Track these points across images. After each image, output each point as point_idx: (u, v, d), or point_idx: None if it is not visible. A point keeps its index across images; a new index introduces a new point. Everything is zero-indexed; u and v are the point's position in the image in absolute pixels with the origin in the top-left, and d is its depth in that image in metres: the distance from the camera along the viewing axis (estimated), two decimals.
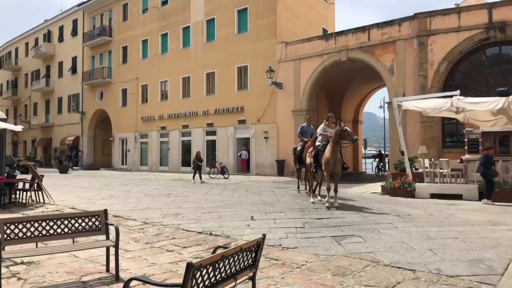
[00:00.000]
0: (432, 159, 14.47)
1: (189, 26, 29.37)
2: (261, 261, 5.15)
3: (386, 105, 26.03)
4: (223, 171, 23.21)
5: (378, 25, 20.61)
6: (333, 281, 4.50)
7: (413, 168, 14.30)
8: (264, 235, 3.48)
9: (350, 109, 30.47)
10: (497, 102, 10.72)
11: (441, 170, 12.92)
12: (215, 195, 13.77)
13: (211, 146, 27.97)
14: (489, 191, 11.02)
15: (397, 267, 4.92)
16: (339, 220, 8.37)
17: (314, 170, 11.07)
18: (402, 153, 13.89)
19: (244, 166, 25.80)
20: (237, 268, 3.18)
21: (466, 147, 14.05)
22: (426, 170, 13.33)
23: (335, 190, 10.19)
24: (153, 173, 28.48)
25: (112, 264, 4.94)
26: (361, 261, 5.20)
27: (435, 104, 12.52)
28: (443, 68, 18.20)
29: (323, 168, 10.28)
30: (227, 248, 3.13)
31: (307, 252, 5.77)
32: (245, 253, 3.27)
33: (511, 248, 5.77)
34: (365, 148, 44.25)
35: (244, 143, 26.25)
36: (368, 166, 35.41)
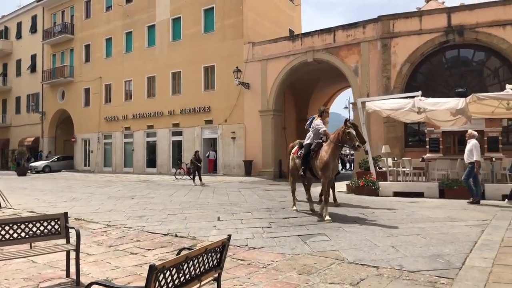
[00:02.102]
0: (395, 158, 14.84)
1: (154, 25, 28.89)
2: (227, 261, 5.12)
3: (351, 106, 26.54)
4: (189, 172, 22.94)
5: (343, 27, 20.97)
6: (299, 279, 4.51)
7: (377, 167, 14.62)
8: (230, 236, 3.44)
9: (316, 109, 30.78)
10: (456, 102, 11.10)
11: (404, 169, 13.28)
12: (181, 196, 13.59)
13: (177, 147, 27.62)
14: None
15: (361, 264, 5.00)
16: (305, 219, 8.44)
17: (302, 173, 9.02)
18: (366, 152, 14.17)
19: (212, 167, 25.64)
20: (201, 269, 3.14)
21: (427, 146, 14.51)
22: (389, 169, 13.66)
23: (326, 200, 8.63)
24: (117, 175, 27.85)
25: (72, 269, 4.76)
26: (326, 259, 5.25)
27: (398, 105, 12.83)
28: (406, 69, 18.74)
29: (319, 173, 8.50)
30: (192, 249, 3.07)
31: (274, 251, 5.78)
32: (210, 254, 3.23)
33: (468, 243, 5.98)
34: None
35: (211, 144, 26.09)
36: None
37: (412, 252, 5.53)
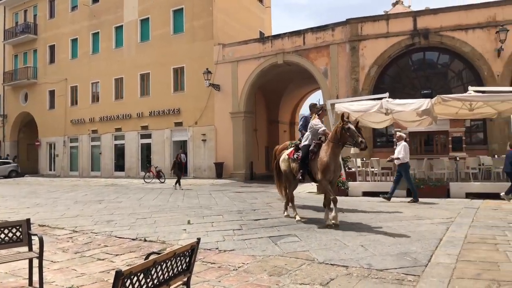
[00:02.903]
0: (364, 159, 15.11)
1: (122, 26, 28.37)
2: (197, 265, 5.06)
3: None
4: (159, 175, 22.63)
5: (313, 30, 21.22)
6: (269, 281, 4.50)
7: (346, 168, 14.84)
8: (199, 239, 3.39)
9: (287, 111, 31.14)
10: (422, 103, 11.39)
11: (372, 169, 13.53)
12: (150, 200, 13.36)
13: (146, 150, 27.19)
14: None
15: (331, 264, 5.04)
16: (276, 220, 8.45)
17: (300, 177, 8.12)
18: None
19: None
20: (170, 274, 3.06)
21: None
22: (358, 169, 13.89)
23: (328, 204, 7.85)
24: (84, 179, 27.12)
25: (35, 277, 4.57)
26: (296, 260, 5.27)
27: (366, 106, 13.06)
28: (374, 72, 19.14)
29: (319, 176, 7.70)
30: (161, 254, 3.00)
31: (244, 253, 5.75)
32: (179, 258, 3.16)
33: (434, 240, 6.13)
34: None
35: (181, 146, 25.83)
36: None
37: (381, 250, 5.62)
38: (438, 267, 4.73)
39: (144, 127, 26.81)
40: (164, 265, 2.96)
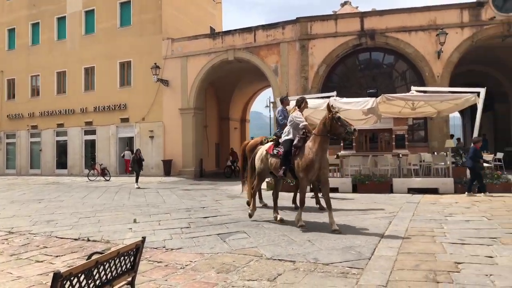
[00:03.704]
0: None
1: (65, 17, 27.00)
2: (143, 264, 4.92)
3: (271, 105, 27.10)
4: (104, 172, 21.83)
5: (264, 27, 21.33)
6: (217, 278, 4.46)
7: None
8: (144, 238, 3.28)
9: (238, 108, 31.13)
10: (367, 102, 11.79)
11: None
12: (94, 199, 12.86)
13: (91, 147, 26.15)
14: (481, 184, 11.16)
15: (279, 259, 5.08)
16: (225, 217, 8.41)
17: (283, 174, 7.40)
18: None
19: (128, 167, 24.67)
20: (113, 274, 2.94)
21: (342, 144, 15.24)
22: None
23: (328, 207, 6.95)
24: (22, 177, 25.66)
25: None
26: (245, 257, 5.26)
27: (314, 104, 13.31)
28: (322, 70, 19.56)
29: (300, 174, 7.04)
30: (104, 253, 2.87)
31: (192, 251, 5.66)
32: (123, 257, 3.05)
33: (377, 234, 6.37)
34: None
35: (128, 143, 25.08)
36: None
37: (327, 245, 5.74)
38: (381, 259, 4.91)
39: (88, 123, 25.75)
40: (107, 265, 2.84)
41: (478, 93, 12.07)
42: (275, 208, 7.95)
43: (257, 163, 8.09)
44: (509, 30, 17.76)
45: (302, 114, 7.59)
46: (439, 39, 17.69)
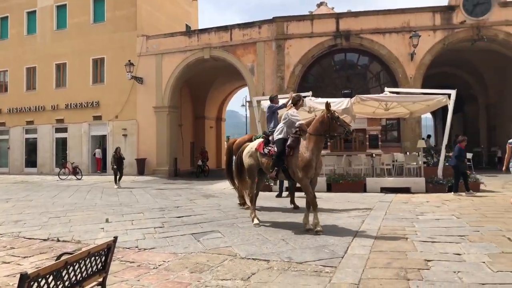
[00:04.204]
0: None
1: (35, 11, 26.22)
2: (115, 264, 4.83)
3: (247, 104, 27.09)
4: (75, 171, 21.33)
5: (240, 26, 21.28)
6: (191, 278, 4.42)
7: None
8: (116, 237, 3.22)
9: (214, 107, 30.99)
10: (342, 102, 11.93)
11: None
12: (65, 198, 12.55)
13: (62, 145, 25.50)
14: (466, 183, 11.21)
15: (253, 258, 5.07)
16: (199, 217, 8.35)
17: (275, 176, 7.17)
18: None
19: (99, 166, 24.23)
20: (83, 275, 2.87)
21: None
22: None
23: (314, 206, 6.78)
24: None
25: None
26: (219, 256, 5.23)
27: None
28: (298, 70, 19.68)
29: (299, 174, 6.74)
30: (74, 254, 2.80)
31: (165, 251, 5.59)
32: (93, 257, 2.98)
33: (351, 232, 6.44)
34: None
35: (100, 141, 24.58)
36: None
37: (301, 244, 5.77)
38: (353, 258, 4.97)
39: (60, 121, 25.11)
40: (77, 265, 2.78)
41: (449, 95, 12.37)
42: (253, 208, 7.69)
43: (246, 159, 7.69)
44: (478, 34, 18.33)
45: (298, 113, 7.37)
46: (412, 41, 18.08)
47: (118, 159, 16.97)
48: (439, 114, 29.12)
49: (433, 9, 18.90)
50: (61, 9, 25.52)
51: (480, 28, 18.35)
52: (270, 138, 7.43)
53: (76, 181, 19.64)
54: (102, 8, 24.31)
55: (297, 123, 7.01)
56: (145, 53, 22.98)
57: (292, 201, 9.67)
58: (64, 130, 25.18)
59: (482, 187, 12.34)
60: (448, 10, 18.74)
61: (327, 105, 6.79)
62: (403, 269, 4.45)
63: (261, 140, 7.63)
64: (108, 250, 3.15)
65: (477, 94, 26.28)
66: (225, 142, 36.01)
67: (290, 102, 7.64)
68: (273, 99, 8.99)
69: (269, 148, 7.27)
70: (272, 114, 8.20)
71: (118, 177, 16.72)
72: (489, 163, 24.03)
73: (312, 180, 6.90)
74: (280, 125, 7.30)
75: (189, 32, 23.68)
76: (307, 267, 4.68)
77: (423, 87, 18.04)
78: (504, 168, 9.60)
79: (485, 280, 4.06)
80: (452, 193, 11.35)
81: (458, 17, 18.58)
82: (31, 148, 26.44)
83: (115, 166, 16.81)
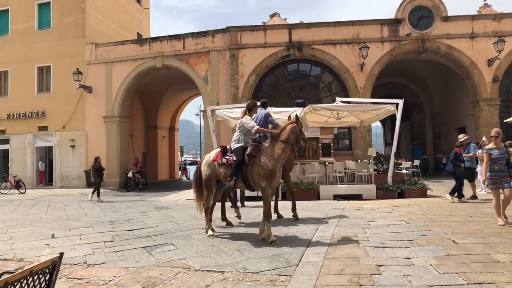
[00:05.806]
0: None
1: None
2: (62, 282, 4.56)
3: (201, 113, 26.86)
4: (18, 185, 20.16)
5: (193, 35, 21.15)
6: None
7: None
8: (62, 254, 3.02)
9: (167, 116, 30.50)
10: (295, 112, 12.10)
11: None
12: (6, 214, 11.79)
13: (3, 157, 24.10)
14: (459, 188, 11.00)
15: (207, 270, 4.97)
16: (151, 230, 8.10)
17: (233, 185, 6.96)
18: None
19: (41, 179, 23.15)
20: None
21: None
22: None
23: (269, 217, 6.63)
24: None
25: None
26: (172, 269, 5.08)
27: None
28: (252, 80, 19.81)
29: (262, 184, 6.55)
30: (14, 273, 2.60)
31: (116, 266, 5.36)
32: (36, 276, 2.78)
33: (305, 240, 6.49)
34: (182, 156, 44.81)
35: (46, 153, 23.45)
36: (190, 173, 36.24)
37: (256, 253, 5.73)
38: (308, 265, 4.99)
39: (1, 132, 23.72)
40: (18, 285, 2.57)
41: (397, 104, 12.87)
42: (209, 219, 7.39)
43: (204, 170, 7.36)
44: (423, 46, 19.35)
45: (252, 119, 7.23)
46: (362, 52, 18.73)
47: (98, 170, 15.76)
48: (388, 122, 30.32)
49: (381, 22, 19.74)
50: (3, 14, 24.30)
51: (424, 40, 19.37)
52: (228, 147, 7.23)
53: (19, 195, 18.55)
54: (48, 14, 23.37)
55: (254, 129, 6.90)
56: (94, 62, 22.28)
57: (276, 210, 9.30)
58: (6, 141, 23.84)
59: (429, 192, 12.91)
60: (395, 23, 19.63)
61: (297, 117, 6.99)
62: (356, 275, 4.52)
63: (218, 150, 7.40)
64: (53, 267, 2.96)
65: (424, 103, 27.64)
66: (178, 153, 35.46)
67: (245, 108, 7.45)
68: (264, 105, 8.64)
69: (227, 157, 7.05)
70: (266, 124, 7.67)
71: (95, 188, 15.45)
72: (435, 169, 25.28)
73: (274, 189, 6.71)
74: (236, 134, 7.17)
75: (140, 40, 23.22)
76: (262, 277, 4.64)
77: (372, 96, 18.71)
78: (483, 179, 8.42)
79: (432, 282, 4.20)
80: (457, 199, 11.02)
81: (404, 30, 19.52)
82: None
83: (97, 179, 15.58)
